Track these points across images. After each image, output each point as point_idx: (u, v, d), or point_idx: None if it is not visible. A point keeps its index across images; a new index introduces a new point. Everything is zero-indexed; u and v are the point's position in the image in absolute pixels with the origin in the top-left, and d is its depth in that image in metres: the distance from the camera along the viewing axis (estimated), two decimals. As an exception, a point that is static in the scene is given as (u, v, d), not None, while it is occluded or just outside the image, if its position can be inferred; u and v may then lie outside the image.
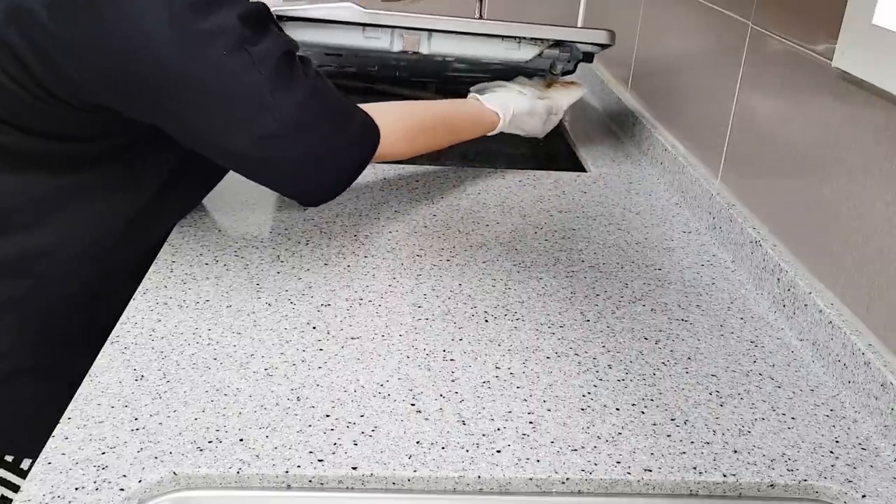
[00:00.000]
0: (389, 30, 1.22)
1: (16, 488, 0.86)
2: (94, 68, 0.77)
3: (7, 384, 0.87)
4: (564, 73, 1.35)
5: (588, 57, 1.30)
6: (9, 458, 0.87)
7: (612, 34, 1.24)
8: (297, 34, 1.19)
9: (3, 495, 0.86)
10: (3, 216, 0.84)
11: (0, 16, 0.75)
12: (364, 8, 1.17)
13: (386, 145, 0.95)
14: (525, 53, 1.26)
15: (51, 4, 0.74)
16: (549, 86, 1.26)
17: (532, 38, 1.24)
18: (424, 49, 1.24)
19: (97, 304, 0.89)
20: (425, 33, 1.23)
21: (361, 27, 1.21)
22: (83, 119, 0.82)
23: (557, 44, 1.26)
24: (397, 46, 1.24)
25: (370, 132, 0.94)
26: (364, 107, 0.95)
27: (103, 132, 0.85)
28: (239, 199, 1.08)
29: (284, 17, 1.17)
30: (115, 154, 0.87)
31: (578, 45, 1.27)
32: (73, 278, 0.88)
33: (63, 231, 0.86)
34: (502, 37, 1.23)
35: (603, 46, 1.26)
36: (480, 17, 1.53)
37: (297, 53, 0.87)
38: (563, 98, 1.22)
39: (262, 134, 0.82)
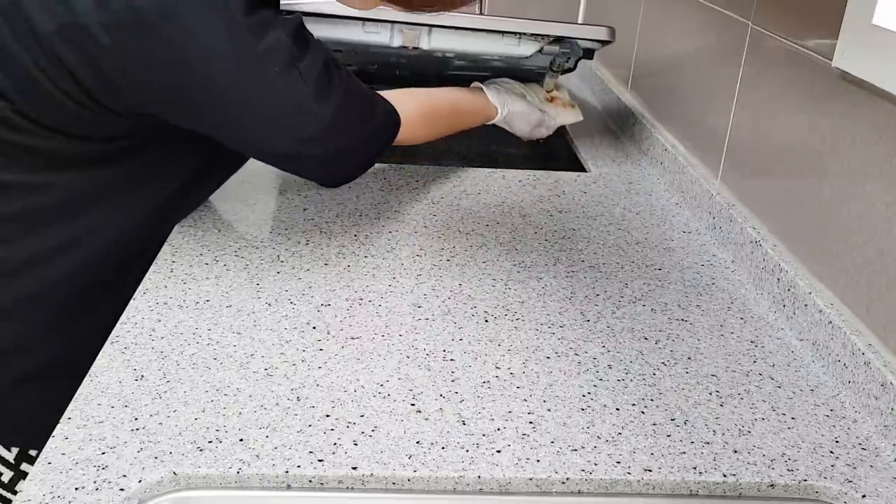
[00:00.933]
0: (389, 25, 1.22)
1: None
2: (153, 86, 0.79)
3: (34, 379, 0.87)
4: (565, 71, 1.35)
5: (588, 53, 1.30)
6: (33, 453, 0.88)
7: (613, 30, 1.24)
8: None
9: None
10: (39, 213, 0.84)
11: (51, 27, 0.74)
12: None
13: (405, 132, 0.99)
14: (525, 49, 1.25)
15: (110, 25, 0.74)
16: (551, 100, 1.29)
17: (532, 35, 1.24)
18: (424, 44, 1.24)
19: (115, 302, 0.90)
20: (425, 28, 1.23)
21: (361, 22, 1.21)
22: (123, 122, 0.83)
23: (558, 40, 1.26)
24: (397, 42, 1.24)
25: (392, 120, 0.98)
26: (384, 94, 0.99)
27: (137, 130, 0.86)
28: (239, 199, 1.08)
29: (284, 11, 1.17)
30: (140, 147, 0.88)
31: (579, 42, 1.27)
32: (102, 269, 0.88)
33: (84, 225, 0.86)
34: (502, 33, 1.23)
35: (603, 43, 1.26)
36: (481, 13, 1.53)
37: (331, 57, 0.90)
38: (559, 116, 1.26)
39: (303, 137, 0.86)
